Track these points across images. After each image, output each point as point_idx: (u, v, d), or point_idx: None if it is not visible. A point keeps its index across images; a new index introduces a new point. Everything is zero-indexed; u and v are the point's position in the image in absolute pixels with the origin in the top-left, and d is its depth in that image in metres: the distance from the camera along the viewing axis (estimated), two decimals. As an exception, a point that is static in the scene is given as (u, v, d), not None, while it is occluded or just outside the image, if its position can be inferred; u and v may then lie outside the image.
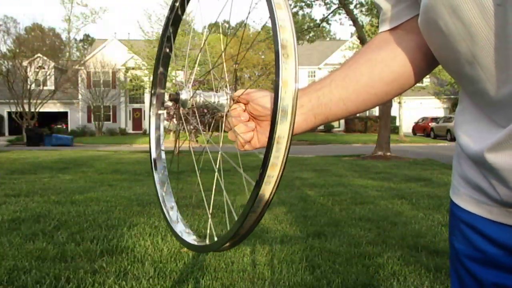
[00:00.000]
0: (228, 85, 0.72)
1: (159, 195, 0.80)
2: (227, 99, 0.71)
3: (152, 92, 0.86)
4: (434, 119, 30.61)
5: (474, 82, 0.60)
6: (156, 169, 0.83)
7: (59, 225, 4.07)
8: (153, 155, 0.85)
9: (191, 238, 0.69)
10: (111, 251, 3.28)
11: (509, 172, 0.58)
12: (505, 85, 0.55)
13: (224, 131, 0.74)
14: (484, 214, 0.66)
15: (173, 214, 0.77)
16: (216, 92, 0.72)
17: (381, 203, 5.39)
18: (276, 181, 0.50)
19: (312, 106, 0.73)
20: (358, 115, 36.48)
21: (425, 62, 0.73)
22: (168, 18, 0.79)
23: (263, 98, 0.71)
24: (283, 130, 0.49)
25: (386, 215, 4.67)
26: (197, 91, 0.70)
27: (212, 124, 0.73)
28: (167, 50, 0.82)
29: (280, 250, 3.35)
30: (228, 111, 0.71)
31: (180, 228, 0.73)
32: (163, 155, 0.86)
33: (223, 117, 0.72)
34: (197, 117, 0.71)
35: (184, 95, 0.70)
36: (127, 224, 4.10)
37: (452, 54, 0.60)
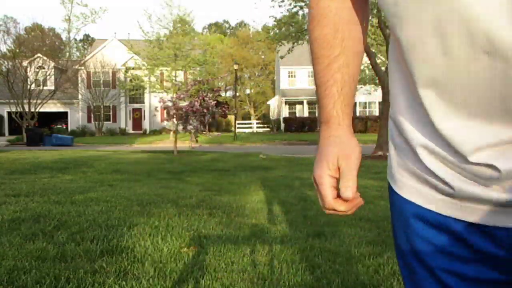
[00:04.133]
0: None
1: None
2: None
3: None
4: (434, 119, 30.57)
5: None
6: None
7: (59, 225, 4.07)
8: None
9: None
10: (111, 251, 3.28)
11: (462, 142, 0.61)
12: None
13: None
14: (430, 206, 0.69)
15: None
16: None
17: (381, 203, 5.39)
18: None
19: (342, 112, 0.78)
20: (358, 115, 36.49)
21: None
22: None
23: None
24: None
25: (386, 215, 4.67)
26: None
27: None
28: None
29: (280, 250, 3.35)
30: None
31: None
32: None
33: None
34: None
35: None
36: (127, 224, 4.10)
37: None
